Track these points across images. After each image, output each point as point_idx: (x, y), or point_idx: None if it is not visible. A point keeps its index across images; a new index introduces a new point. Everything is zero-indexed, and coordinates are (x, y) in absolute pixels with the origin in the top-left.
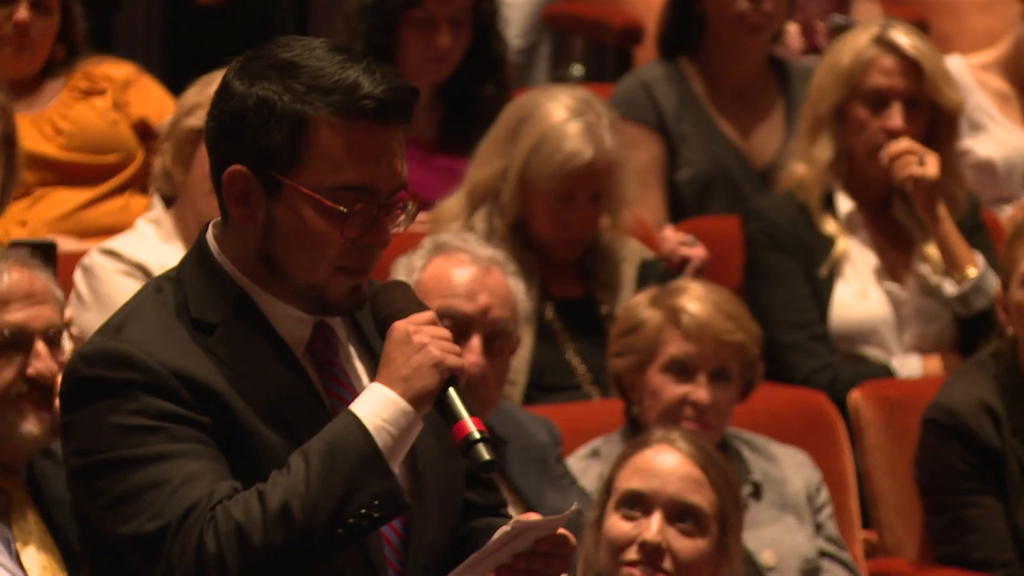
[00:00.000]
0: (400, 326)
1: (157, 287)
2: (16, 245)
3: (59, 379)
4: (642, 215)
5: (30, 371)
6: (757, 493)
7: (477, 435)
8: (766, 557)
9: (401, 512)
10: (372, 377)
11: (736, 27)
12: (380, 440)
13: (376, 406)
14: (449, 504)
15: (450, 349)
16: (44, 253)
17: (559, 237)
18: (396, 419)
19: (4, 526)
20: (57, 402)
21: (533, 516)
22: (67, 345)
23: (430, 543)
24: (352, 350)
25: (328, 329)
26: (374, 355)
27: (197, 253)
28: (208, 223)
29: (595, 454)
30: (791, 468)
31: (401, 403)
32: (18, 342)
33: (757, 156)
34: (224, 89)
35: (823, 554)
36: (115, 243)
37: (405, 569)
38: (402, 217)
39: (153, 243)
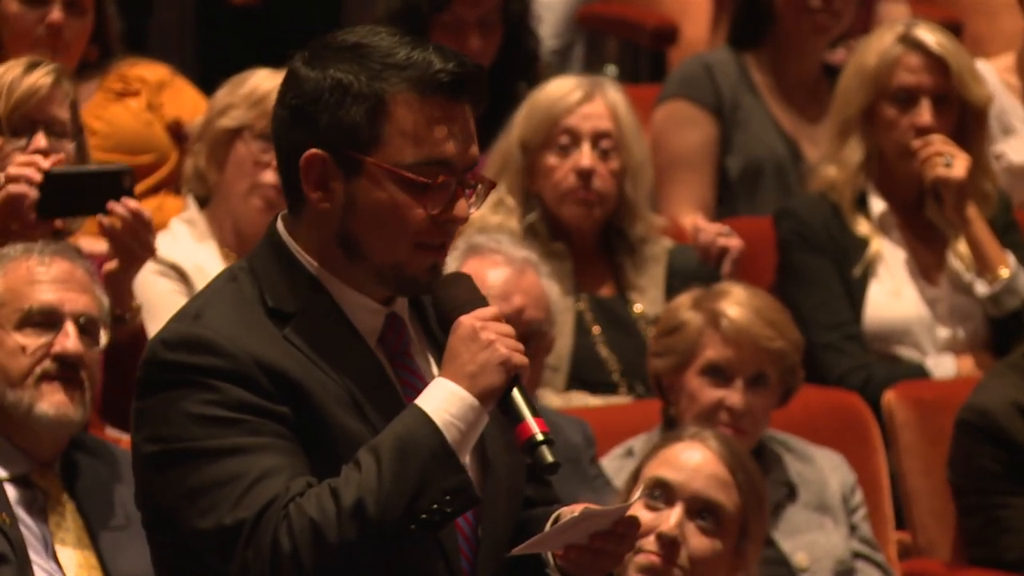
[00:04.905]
0: (466, 321)
1: (231, 276)
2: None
3: (85, 362)
4: (689, 197)
5: (55, 348)
6: (793, 495)
7: (541, 436)
8: (800, 559)
9: (473, 506)
10: (440, 368)
11: (804, 23)
12: (449, 435)
13: (444, 401)
14: (516, 494)
15: (515, 347)
16: (115, 179)
17: (577, 199)
18: (464, 414)
19: (42, 524)
20: (82, 383)
21: (596, 506)
22: (103, 340)
23: (501, 532)
24: (421, 342)
25: (400, 320)
26: (440, 347)
27: (269, 244)
28: (276, 215)
29: (630, 454)
30: (827, 469)
31: (468, 398)
32: (47, 321)
33: (810, 153)
34: (293, 78)
35: (857, 555)
36: None
37: (477, 558)
38: (474, 197)
39: (187, 243)
